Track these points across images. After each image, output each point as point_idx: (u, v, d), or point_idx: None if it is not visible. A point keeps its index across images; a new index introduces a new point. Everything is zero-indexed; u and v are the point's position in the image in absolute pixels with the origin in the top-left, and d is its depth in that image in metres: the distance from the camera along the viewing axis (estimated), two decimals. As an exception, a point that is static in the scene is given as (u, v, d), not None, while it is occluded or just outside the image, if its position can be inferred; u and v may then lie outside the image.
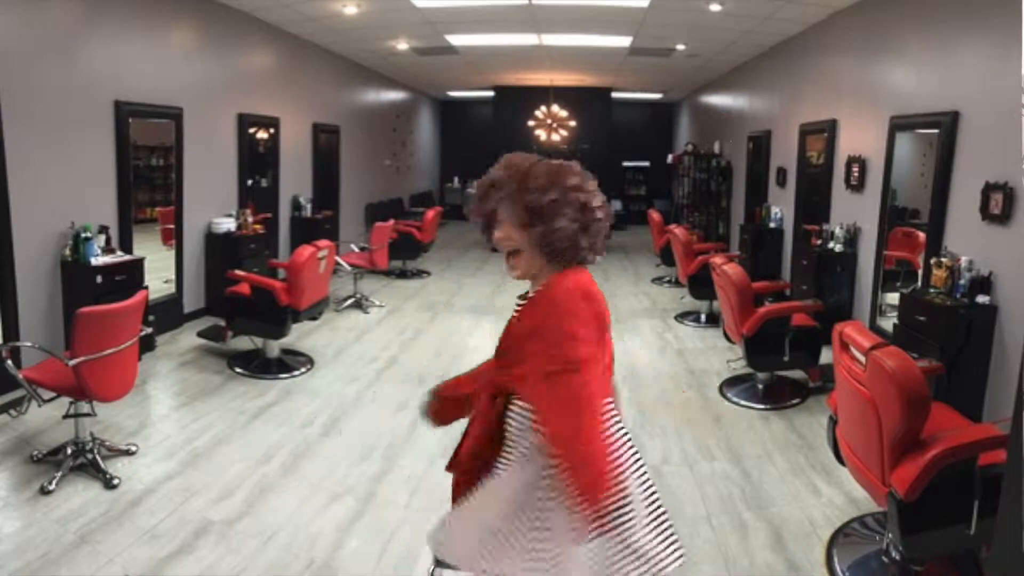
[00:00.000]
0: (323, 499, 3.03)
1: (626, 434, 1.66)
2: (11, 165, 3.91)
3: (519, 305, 1.65)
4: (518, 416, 1.60)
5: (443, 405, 1.84)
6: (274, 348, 4.81)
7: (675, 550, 1.61)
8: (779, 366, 4.36)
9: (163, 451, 3.43)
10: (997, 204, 3.56)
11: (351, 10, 6.23)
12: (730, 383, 4.63)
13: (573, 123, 11.98)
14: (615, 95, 13.14)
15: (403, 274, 8.46)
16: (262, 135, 6.92)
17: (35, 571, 2.43)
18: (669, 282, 8.33)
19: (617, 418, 1.66)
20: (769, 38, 7.03)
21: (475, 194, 1.69)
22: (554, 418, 1.44)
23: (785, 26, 6.43)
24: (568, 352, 1.44)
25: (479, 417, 1.66)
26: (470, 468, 1.67)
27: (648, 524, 1.59)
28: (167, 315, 5.39)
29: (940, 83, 4.18)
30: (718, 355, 5.29)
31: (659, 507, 1.63)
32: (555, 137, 11.96)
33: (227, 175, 6.35)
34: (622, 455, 1.61)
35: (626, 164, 14.92)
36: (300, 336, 5.47)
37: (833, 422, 2.84)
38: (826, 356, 3.98)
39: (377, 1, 6.15)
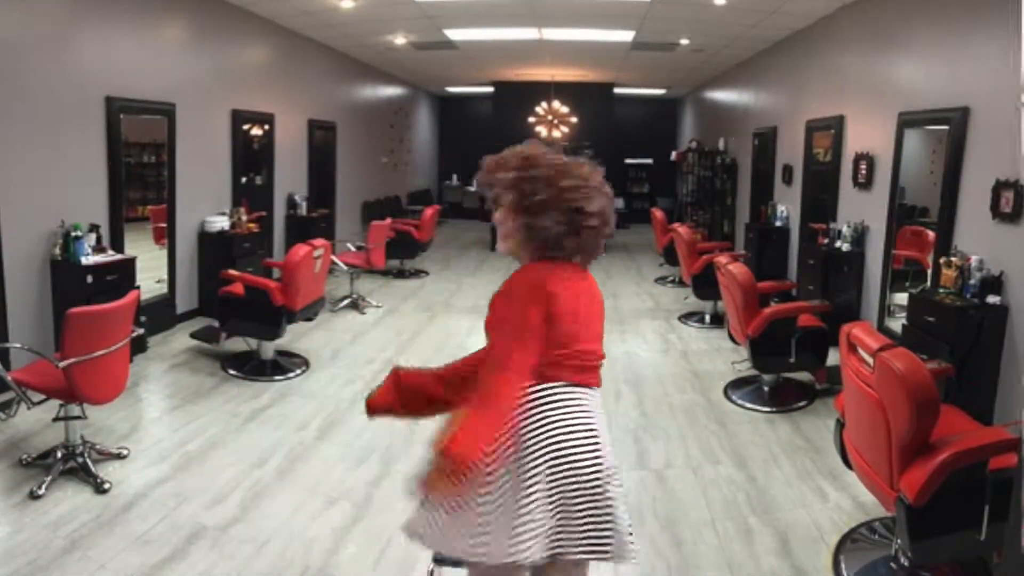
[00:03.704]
0: (319, 504, 2.99)
1: (590, 432, 1.64)
2: None
3: None
4: None
5: (392, 392, 1.91)
6: (269, 349, 4.75)
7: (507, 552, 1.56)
8: (785, 368, 4.31)
9: (155, 455, 3.38)
10: (1008, 202, 3.51)
11: (347, 4, 6.17)
12: (735, 385, 4.57)
13: (575, 119, 11.90)
14: (617, 91, 13.08)
15: (401, 274, 8.40)
16: (256, 132, 6.86)
17: (23, 578, 2.39)
18: (673, 282, 8.27)
19: (588, 412, 1.66)
20: (775, 32, 6.97)
21: (483, 169, 1.76)
22: (484, 370, 1.58)
23: (791, 20, 6.36)
24: (517, 317, 1.57)
25: None
26: None
27: (514, 519, 1.56)
28: (159, 316, 5.33)
29: (949, 78, 4.12)
30: (722, 356, 5.23)
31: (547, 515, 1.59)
32: (556, 134, 11.89)
33: (221, 172, 6.29)
34: (540, 444, 1.60)
35: (629, 161, 14.85)
36: (295, 337, 5.41)
37: (840, 425, 2.82)
38: (833, 357, 3.93)
39: (375, -5, 6.09)
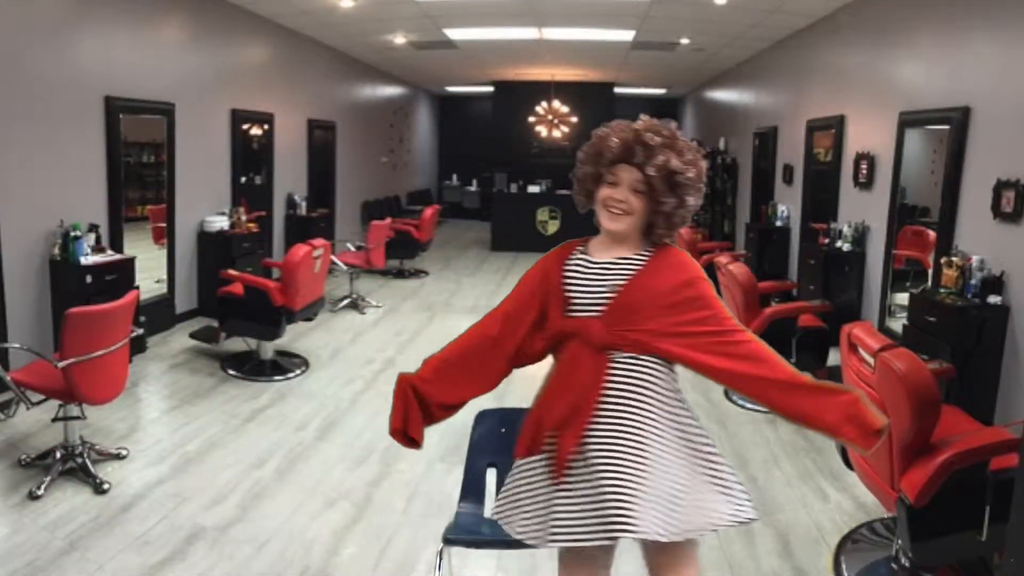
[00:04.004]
0: (318, 504, 2.98)
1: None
2: (-1, 162, 3.85)
3: (612, 265, 1.61)
4: (644, 369, 1.62)
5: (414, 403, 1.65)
6: (268, 350, 4.74)
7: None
8: (785, 367, 4.28)
9: (154, 455, 3.37)
10: (1009, 202, 3.50)
11: (347, 4, 6.15)
12: (734, 385, 4.55)
13: (575, 119, 11.89)
14: (618, 90, 13.04)
15: (400, 274, 8.39)
16: (256, 131, 6.86)
17: (21, 579, 2.38)
18: (672, 281, 8.23)
19: None
20: (776, 32, 6.96)
21: (613, 144, 1.61)
22: (768, 367, 1.57)
23: (792, 19, 6.35)
24: (730, 318, 1.60)
25: (585, 374, 1.58)
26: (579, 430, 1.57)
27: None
28: (158, 316, 5.32)
29: (950, 78, 4.11)
30: (721, 355, 5.21)
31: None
32: (556, 133, 11.88)
33: (220, 172, 6.28)
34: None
35: (628, 161, 14.82)
36: (295, 337, 5.40)
37: (842, 426, 2.78)
38: (834, 358, 3.92)
39: (374, -5, 6.08)
